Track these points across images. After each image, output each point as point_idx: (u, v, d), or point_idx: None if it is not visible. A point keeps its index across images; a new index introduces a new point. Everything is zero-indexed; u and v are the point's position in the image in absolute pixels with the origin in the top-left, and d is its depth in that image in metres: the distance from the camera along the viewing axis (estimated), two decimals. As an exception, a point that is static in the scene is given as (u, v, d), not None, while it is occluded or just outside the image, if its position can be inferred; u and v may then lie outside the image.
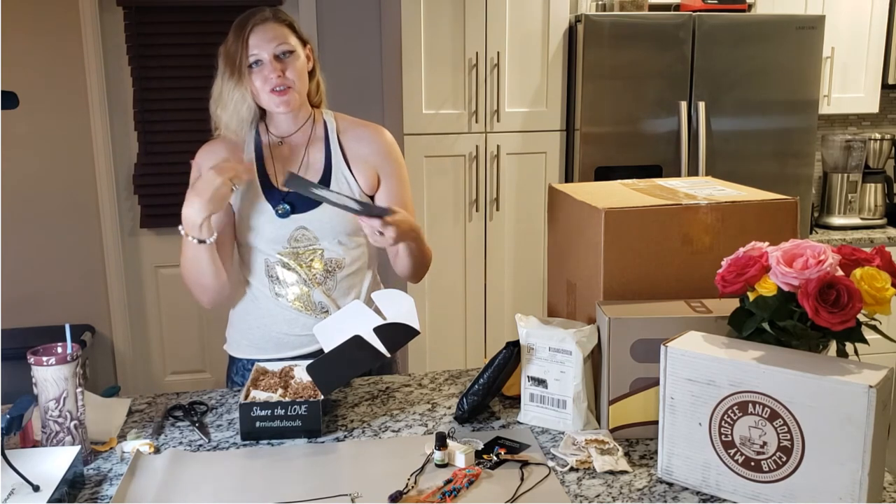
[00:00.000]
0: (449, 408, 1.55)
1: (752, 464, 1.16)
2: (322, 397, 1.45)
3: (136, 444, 1.37)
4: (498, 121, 3.21)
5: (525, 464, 1.31)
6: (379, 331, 1.48)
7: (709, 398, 1.18)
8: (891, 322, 1.40)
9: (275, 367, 1.59)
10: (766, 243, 1.29)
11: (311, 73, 1.77)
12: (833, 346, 1.24)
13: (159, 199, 3.68)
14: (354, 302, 1.63)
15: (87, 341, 3.57)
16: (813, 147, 3.36)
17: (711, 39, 3.18)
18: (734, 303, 1.30)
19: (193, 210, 1.59)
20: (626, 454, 1.34)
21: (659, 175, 3.21)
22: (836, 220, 3.75)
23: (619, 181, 1.74)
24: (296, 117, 1.76)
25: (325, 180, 1.74)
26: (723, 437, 1.18)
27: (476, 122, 3.21)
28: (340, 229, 1.74)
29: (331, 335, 1.51)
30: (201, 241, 1.63)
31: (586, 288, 1.54)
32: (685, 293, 1.45)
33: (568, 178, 3.31)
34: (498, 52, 3.16)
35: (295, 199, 1.72)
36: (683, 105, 3.20)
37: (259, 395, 1.46)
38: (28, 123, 3.51)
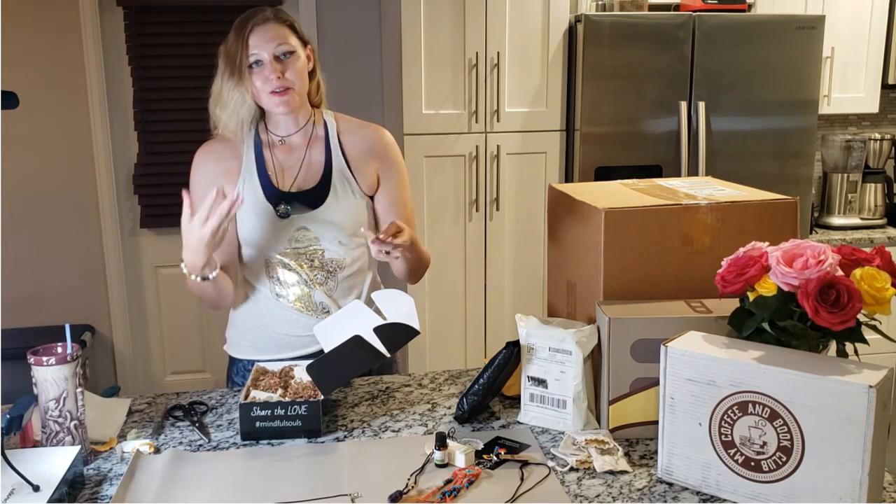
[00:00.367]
0: (449, 408, 1.55)
1: (752, 464, 1.16)
2: (322, 397, 1.45)
3: (136, 444, 1.37)
4: (498, 121, 3.21)
5: (525, 464, 1.31)
6: (379, 331, 1.48)
7: (709, 398, 1.18)
8: (891, 322, 1.40)
9: (275, 367, 1.59)
10: (766, 243, 1.29)
11: (312, 74, 1.77)
12: (833, 346, 1.24)
13: (159, 199, 3.68)
14: (354, 302, 1.63)
15: (87, 341, 3.57)
16: (813, 147, 3.36)
17: (711, 39, 3.18)
18: (734, 303, 1.30)
19: (194, 257, 1.56)
20: (626, 454, 1.34)
21: (659, 175, 3.21)
22: (836, 220, 3.75)
23: (619, 181, 1.74)
24: (296, 117, 1.76)
25: (325, 180, 1.74)
26: (723, 437, 1.18)
27: (476, 122, 3.21)
28: (341, 230, 1.74)
29: (331, 335, 1.51)
30: (205, 279, 1.61)
31: (586, 288, 1.54)
32: (685, 293, 1.45)
33: (568, 178, 3.31)
34: (498, 52, 3.16)
35: (296, 200, 1.72)
36: (683, 105, 3.20)
37: (259, 395, 1.46)
38: (28, 123, 3.51)
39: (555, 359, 1.43)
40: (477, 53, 3.15)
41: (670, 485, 1.25)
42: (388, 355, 1.50)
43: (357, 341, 1.46)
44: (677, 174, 3.24)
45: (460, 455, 1.30)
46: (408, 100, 3.14)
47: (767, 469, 1.15)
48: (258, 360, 1.67)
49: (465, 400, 1.47)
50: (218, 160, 1.76)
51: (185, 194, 1.52)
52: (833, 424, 1.08)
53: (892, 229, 3.70)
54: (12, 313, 3.49)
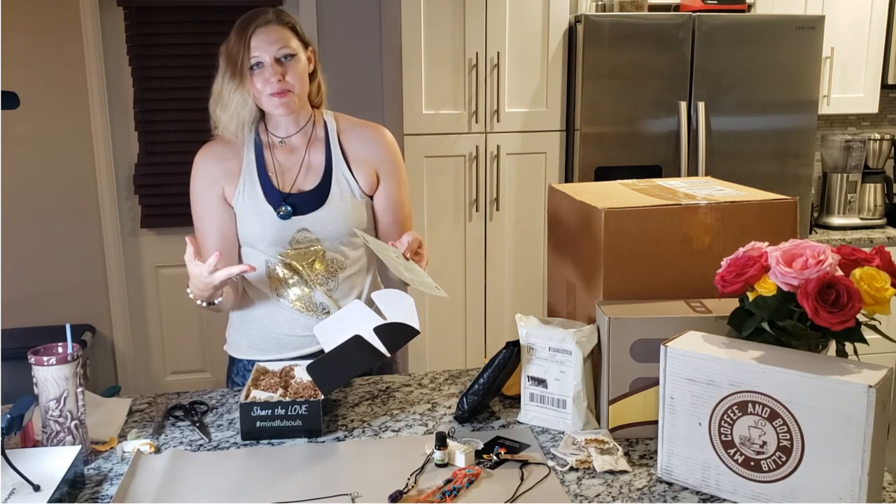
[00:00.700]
0: (449, 407, 1.55)
1: (752, 463, 1.16)
2: (322, 397, 1.45)
3: (136, 444, 1.37)
4: (498, 121, 3.22)
5: (525, 463, 1.31)
6: (379, 331, 1.48)
7: (708, 398, 1.18)
8: (890, 322, 1.41)
9: (275, 366, 1.59)
10: (766, 243, 1.29)
11: (313, 75, 1.77)
12: (833, 346, 1.25)
13: (160, 199, 3.68)
14: (355, 302, 1.63)
15: (88, 341, 3.57)
16: (812, 147, 3.36)
17: (711, 40, 3.18)
18: (734, 303, 1.30)
19: (199, 292, 1.64)
20: (626, 454, 1.34)
21: (659, 175, 3.21)
22: (836, 220, 3.75)
23: (619, 181, 1.75)
24: (296, 119, 1.76)
25: (326, 180, 1.74)
26: (722, 436, 1.18)
27: (476, 122, 3.21)
28: (342, 230, 1.74)
29: (331, 335, 1.51)
30: (210, 304, 1.70)
31: (586, 288, 1.54)
32: (685, 293, 1.45)
33: (568, 178, 3.31)
34: (498, 52, 3.16)
35: (296, 201, 1.72)
36: (683, 105, 3.21)
37: (259, 394, 1.46)
38: (28, 123, 3.51)
39: (555, 358, 1.43)
40: (477, 53, 3.15)
41: (670, 484, 1.25)
42: (388, 355, 1.50)
43: (357, 341, 1.46)
44: (677, 174, 3.24)
45: (460, 455, 1.30)
46: (408, 100, 3.14)
47: (767, 469, 1.15)
48: (258, 360, 1.67)
49: (465, 400, 1.48)
50: (219, 161, 1.76)
51: (189, 239, 1.57)
52: (833, 424, 1.08)
53: (891, 229, 3.70)
54: (12, 313, 3.49)
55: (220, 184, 1.74)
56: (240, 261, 1.79)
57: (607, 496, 1.22)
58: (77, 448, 1.27)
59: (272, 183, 1.74)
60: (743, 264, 1.26)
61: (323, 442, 1.42)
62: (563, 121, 3.28)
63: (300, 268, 1.74)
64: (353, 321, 1.51)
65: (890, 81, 3.61)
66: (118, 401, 1.60)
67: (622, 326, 1.35)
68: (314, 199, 1.73)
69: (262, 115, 1.77)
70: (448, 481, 1.25)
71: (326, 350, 1.49)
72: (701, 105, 3.21)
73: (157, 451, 1.38)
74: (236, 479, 1.29)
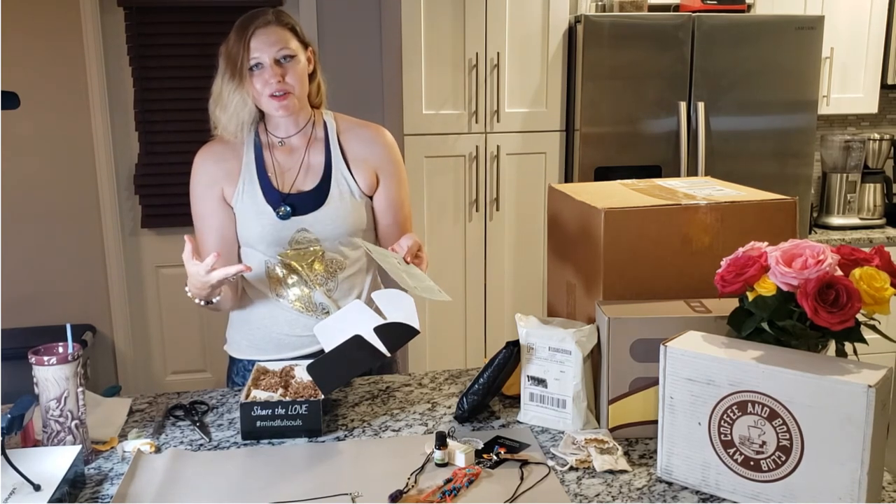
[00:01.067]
0: (449, 407, 1.55)
1: (752, 463, 1.16)
2: (322, 397, 1.45)
3: (136, 444, 1.38)
4: (498, 121, 3.22)
5: (525, 463, 1.32)
6: (379, 330, 1.48)
7: (708, 398, 1.19)
8: (890, 322, 1.41)
9: (275, 366, 1.59)
10: (766, 243, 1.29)
11: (312, 75, 1.77)
12: (832, 345, 1.25)
13: (160, 199, 3.68)
14: (355, 302, 1.63)
15: (88, 341, 3.58)
16: (812, 147, 3.37)
17: (711, 40, 3.18)
18: (733, 303, 1.30)
19: (197, 291, 1.64)
20: (626, 453, 1.35)
21: (658, 175, 3.21)
22: (835, 220, 3.76)
23: (618, 181, 1.75)
24: (296, 119, 1.76)
25: (325, 181, 1.75)
26: (722, 436, 1.18)
27: (476, 122, 3.21)
28: (342, 231, 1.74)
29: (331, 335, 1.51)
30: (209, 303, 1.70)
31: (586, 288, 1.55)
32: (685, 293, 1.45)
33: (568, 178, 3.32)
34: (498, 53, 3.17)
35: (296, 201, 1.72)
36: (683, 105, 3.21)
37: (260, 394, 1.47)
38: (29, 124, 3.51)
39: (554, 358, 1.43)
40: (477, 54, 3.15)
41: (670, 484, 1.26)
42: (388, 355, 1.50)
43: (357, 341, 1.46)
44: (677, 174, 3.24)
45: (460, 454, 1.30)
46: (408, 100, 3.14)
47: (767, 468, 1.15)
48: (258, 361, 1.68)
49: (465, 399, 1.48)
50: (218, 162, 1.76)
51: (187, 238, 1.57)
52: (832, 424, 1.08)
53: (891, 229, 3.71)
54: (13, 313, 3.49)
55: (220, 184, 1.75)
56: (239, 261, 1.79)
57: (607, 496, 1.23)
58: (77, 448, 1.27)
59: (272, 183, 1.74)
60: (742, 264, 1.26)
61: (323, 442, 1.42)
62: (563, 121, 3.28)
63: (300, 268, 1.74)
64: (353, 321, 1.51)
65: (889, 81, 3.62)
66: (118, 400, 1.60)
67: (622, 326, 1.35)
68: (313, 199, 1.73)
69: (261, 116, 1.77)
70: (448, 481, 1.25)
71: (326, 350, 1.49)
72: (701, 105, 3.21)
73: (158, 450, 1.38)
74: (236, 478, 1.29)
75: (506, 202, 3.29)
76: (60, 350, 1.31)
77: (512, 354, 1.48)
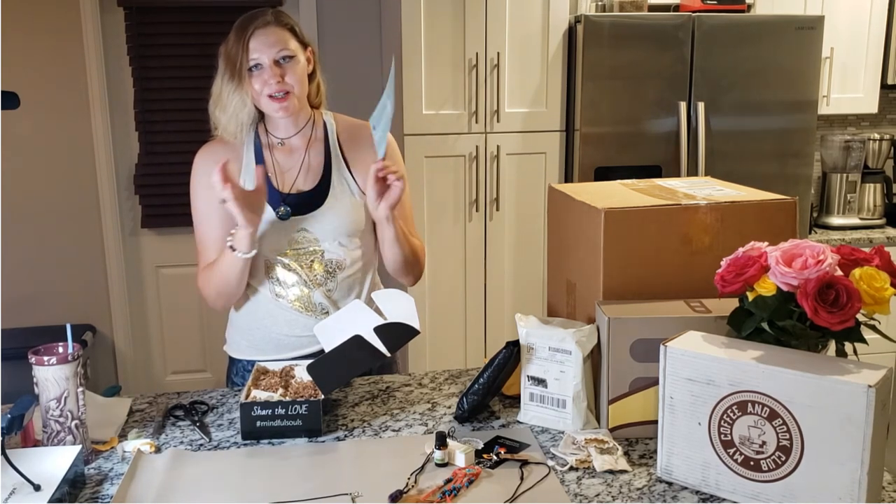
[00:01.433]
0: (449, 407, 1.55)
1: (752, 463, 1.16)
2: (322, 397, 1.45)
3: (136, 444, 1.38)
4: (498, 121, 3.22)
5: (525, 463, 1.32)
6: (379, 330, 1.48)
7: (708, 398, 1.19)
8: (890, 322, 1.41)
9: (275, 366, 1.59)
10: (766, 243, 1.29)
11: (312, 76, 1.77)
12: (832, 345, 1.25)
13: (160, 199, 3.68)
14: (355, 301, 1.63)
15: (88, 341, 3.58)
16: (812, 147, 3.37)
17: (711, 40, 3.18)
18: (733, 303, 1.30)
19: (244, 230, 1.61)
20: (626, 453, 1.35)
21: (658, 175, 3.21)
22: (835, 220, 3.76)
23: (618, 181, 1.75)
24: (296, 120, 1.76)
25: (325, 181, 1.75)
26: (722, 436, 1.18)
27: (476, 122, 3.21)
28: (341, 231, 1.74)
29: (331, 335, 1.51)
30: (246, 255, 1.65)
31: (586, 288, 1.55)
32: (685, 293, 1.45)
33: (568, 178, 3.32)
34: (498, 53, 3.17)
35: (295, 201, 1.72)
36: (683, 105, 3.21)
37: (260, 394, 1.47)
38: (29, 124, 3.51)
39: (554, 358, 1.43)
40: (477, 54, 3.15)
41: (670, 484, 1.26)
42: (388, 355, 1.51)
43: (357, 341, 1.46)
44: (677, 174, 3.24)
45: (460, 454, 1.30)
46: (408, 100, 3.14)
47: (767, 468, 1.15)
48: (258, 361, 1.68)
49: (465, 399, 1.48)
50: (218, 162, 1.74)
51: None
52: (832, 424, 1.08)
53: (891, 229, 3.71)
54: (12, 313, 3.49)
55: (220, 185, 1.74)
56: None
57: (607, 496, 1.23)
58: (77, 448, 1.27)
59: (271, 183, 1.74)
60: (742, 264, 1.26)
61: (323, 442, 1.42)
62: (563, 121, 3.28)
63: (299, 268, 1.74)
64: (353, 321, 1.51)
65: (889, 81, 3.62)
66: (118, 400, 1.60)
67: (622, 326, 1.35)
68: (313, 199, 1.73)
69: (261, 116, 1.77)
70: (448, 481, 1.25)
71: (326, 350, 1.49)
72: (701, 105, 3.21)
73: (158, 450, 1.38)
74: (236, 478, 1.29)
75: (506, 202, 3.29)
76: (60, 350, 1.31)
77: (512, 354, 1.48)
